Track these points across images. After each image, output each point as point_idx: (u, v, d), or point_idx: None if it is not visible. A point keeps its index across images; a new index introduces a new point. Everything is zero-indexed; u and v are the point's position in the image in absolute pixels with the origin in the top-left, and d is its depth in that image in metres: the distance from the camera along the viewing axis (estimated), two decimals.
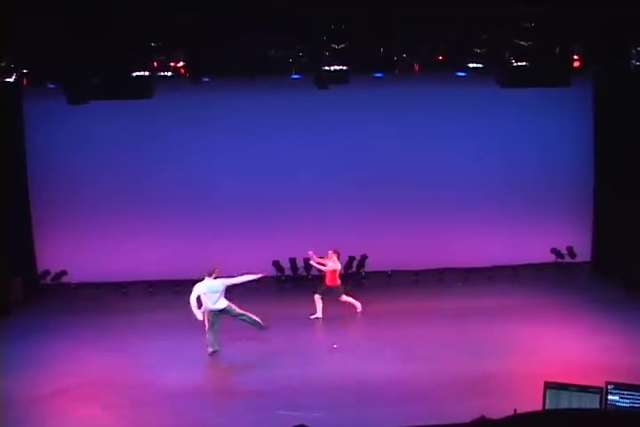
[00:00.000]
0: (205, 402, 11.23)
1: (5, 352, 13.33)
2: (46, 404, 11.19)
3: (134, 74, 12.87)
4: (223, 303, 13.13)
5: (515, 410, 7.61)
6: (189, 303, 12.83)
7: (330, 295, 15.25)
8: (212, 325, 13.09)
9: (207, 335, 13.10)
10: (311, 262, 15.88)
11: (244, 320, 13.41)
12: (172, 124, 17.57)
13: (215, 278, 13.14)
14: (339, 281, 15.37)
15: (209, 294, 13.03)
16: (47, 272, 17.87)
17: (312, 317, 15.10)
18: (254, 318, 13.46)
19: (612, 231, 17.33)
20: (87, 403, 11.26)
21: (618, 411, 7.64)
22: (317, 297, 15.20)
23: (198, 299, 13.00)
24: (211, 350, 13.09)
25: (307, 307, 14.53)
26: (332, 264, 15.30)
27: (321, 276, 15.66)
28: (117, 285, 17.63)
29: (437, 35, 13.09)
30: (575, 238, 18.28)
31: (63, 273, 17.77)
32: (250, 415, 10.83)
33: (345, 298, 15.38)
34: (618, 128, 17.00)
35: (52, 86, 13.76)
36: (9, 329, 14.85)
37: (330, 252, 15.41)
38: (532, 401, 8.12)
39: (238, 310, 13.30)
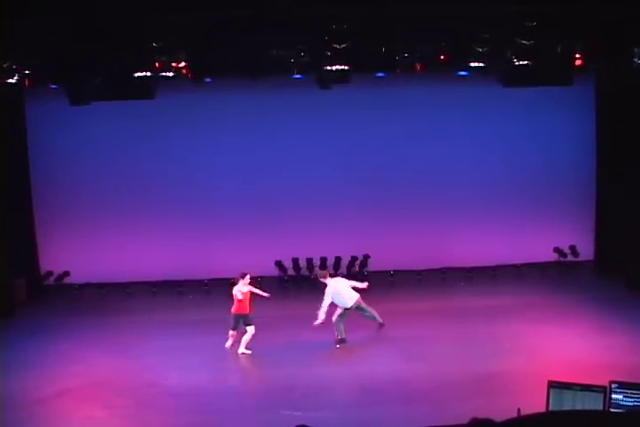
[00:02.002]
0: (207, 402, 11.24)
1: (9, 353, 13.34)
2: (49, 404, 11.21)
3: (136, 74, 12.87)
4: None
5: (518, 409, 7.64)
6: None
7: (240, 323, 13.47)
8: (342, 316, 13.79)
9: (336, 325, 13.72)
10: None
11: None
12: (174, 124, 17.56)
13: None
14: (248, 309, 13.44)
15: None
16: (50, 273, 17.89)
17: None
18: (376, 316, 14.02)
19: (614, 230, 17.30)
20: (90, 403, 11.27)
21: (621, 412, 7.64)
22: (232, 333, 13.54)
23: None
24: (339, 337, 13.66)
25: (309, 307, 14.46)
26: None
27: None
28: (120, 285, 17.63)
29: (439, 34, 13.08)
30: (578, 237, 18.26)
31: (66, 274, 17.80)
32: (252, 416, 10.85)
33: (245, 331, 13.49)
34: (620, 127, 16.97)
35: (53, 87, 13.76)
36: (12, 330, 14.85)
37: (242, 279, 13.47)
38: (535, 401, 8.14)
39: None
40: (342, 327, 13.67)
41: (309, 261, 17.94)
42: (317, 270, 14.47)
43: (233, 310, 13.40)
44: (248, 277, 13.46)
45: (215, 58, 13.07)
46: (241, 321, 13.37)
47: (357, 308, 13.84)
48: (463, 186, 18.18)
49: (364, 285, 14.10)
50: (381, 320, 14.10)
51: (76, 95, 13.57)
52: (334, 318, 13.74)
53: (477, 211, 18.13)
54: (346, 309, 13.79)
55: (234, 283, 13.52)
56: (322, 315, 13.49)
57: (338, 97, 16.29)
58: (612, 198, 17.49)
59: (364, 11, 12.40)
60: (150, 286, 17.69)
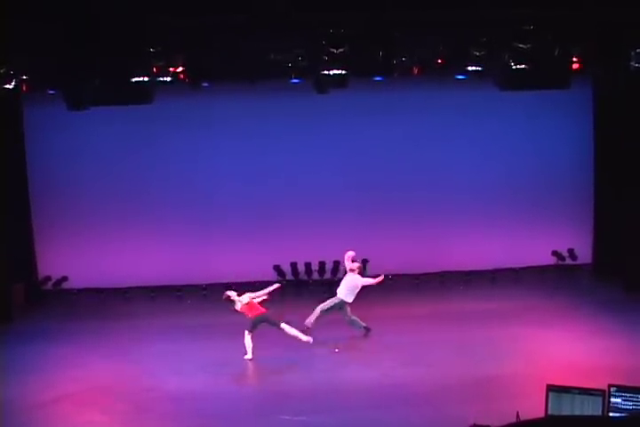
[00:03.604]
0: (207, 407, 11.21)
1: (7, 358, 13.31)
2: (48, 409, 11.18)
3: (133, 79, 12.88)
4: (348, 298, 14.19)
5: (517, 413, 7.63)
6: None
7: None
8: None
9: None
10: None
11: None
12: (172, 129, 17.57)
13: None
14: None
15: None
16: (48, 278, 17.87)
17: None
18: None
19: (612, 233, 17.31)
20: (89, 408, 11.25)
21: (621, 417, 7.63)
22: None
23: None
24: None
25: (308, 311, 14.47)
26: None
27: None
28: (118, 290, 17.63)
29: (436, 38, 13.09)
30: (576, 240, 18.27)
31: (64, 279, 17.77)
32: (251, 420, 10.83)
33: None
34: (617, 130, 16.99)
35: (51, 92, 13.77)
36: (10, 335, 14.83)
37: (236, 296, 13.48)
38: (534, 404, 8.12)
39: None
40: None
41: (308, 265, 17.93)
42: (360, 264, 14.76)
43: (250, 315, 13.28)
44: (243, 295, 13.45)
45: (213, 62, 13.08)
46: (260, 324, 13.23)
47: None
48: (461, 190, 18.19)
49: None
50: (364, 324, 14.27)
51: (74, 100, 13.57)
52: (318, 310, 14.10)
53: (476, 215, 18.14)
54: (345, 302, 14.11)
55: (231, 300, 13.43)
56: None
57: (335, 101, 16.28)
58: (609, 201, 17.50)
59: (362, 15, 12.42)
60: (149, 290, 17.69)
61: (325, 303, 14.19)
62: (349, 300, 14.19)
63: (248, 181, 17.98)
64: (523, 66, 12.96)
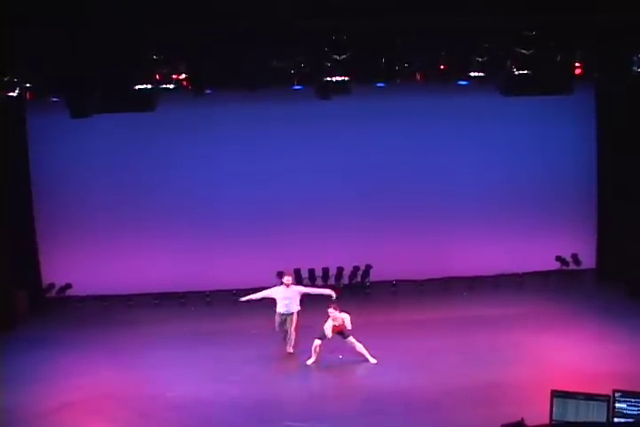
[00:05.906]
0: (210, 414, 11.20)
1: (10, 366, 13.31)
2: (51, 418, 11.16)
3: (136, 87, 12.91)
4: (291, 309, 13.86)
5: (522, 419, 7.62)
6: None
7: None
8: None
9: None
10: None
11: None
12: (175, 136, 17.59)
13: (288, 286, 14.06)
14: None
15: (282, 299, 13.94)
16: (52, 285, 17.87)
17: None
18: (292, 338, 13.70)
19: (616, 238, 17.31)
20: (92, 416, 11.24)
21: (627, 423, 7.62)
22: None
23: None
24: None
25: (310, 318, 14.45)
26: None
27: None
28: (122, 297, 17.63)
29: (439, 44, 13.11)
30: (580, 246, 18.26)
31: (68, 286, 17.77)
32: None
33: None
34: (620, 135, 17.01)
35: (54, 100, 13.80)
36: (14, 343, 14.82)
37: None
38: (539, 410, 8.13)
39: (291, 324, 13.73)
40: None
41: (311, 272, 17.91)
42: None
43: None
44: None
45: (215, 69, 13.11)
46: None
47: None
48: (464, 195, 18.19)
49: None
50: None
51: (77, 108, 13.59)
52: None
53: (479, 220, 18.14)
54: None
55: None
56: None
57: (338, 108, 16.32)
58: (613, 206, 17.51)
59: (364, 21, 12.44)
60: (152, 297, 17.69)
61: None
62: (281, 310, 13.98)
63: (251, 187, 18.00)
64: (525, 71, 12.98)
